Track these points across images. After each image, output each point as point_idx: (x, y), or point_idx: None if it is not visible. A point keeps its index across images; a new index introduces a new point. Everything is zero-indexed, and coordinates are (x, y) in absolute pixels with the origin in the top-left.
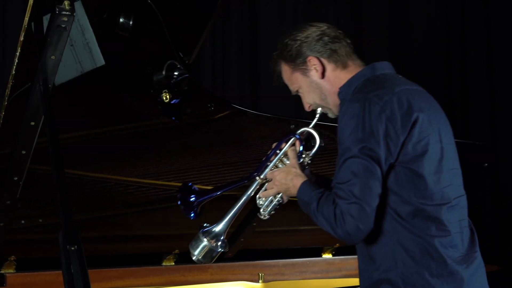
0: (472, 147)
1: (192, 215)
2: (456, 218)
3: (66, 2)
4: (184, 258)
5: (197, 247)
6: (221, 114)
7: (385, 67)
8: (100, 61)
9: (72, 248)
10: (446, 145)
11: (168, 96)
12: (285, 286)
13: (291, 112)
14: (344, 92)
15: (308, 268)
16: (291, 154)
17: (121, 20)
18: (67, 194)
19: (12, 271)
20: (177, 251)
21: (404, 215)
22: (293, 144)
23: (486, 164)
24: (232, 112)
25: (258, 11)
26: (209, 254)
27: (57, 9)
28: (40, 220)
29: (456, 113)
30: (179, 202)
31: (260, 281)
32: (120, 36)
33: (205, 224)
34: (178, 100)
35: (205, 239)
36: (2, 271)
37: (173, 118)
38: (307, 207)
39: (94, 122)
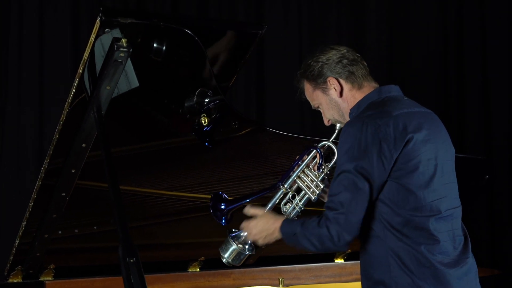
0: (474, 161)
1: (223, 221)
2: (447, 227)
3: (123, 40)
4: (209, 264)
5: (227, 250)
6: (244, 131)
7: (391, 90)
8: (135, 83)
9: (131, 261)
10: (443, 162)
11: (206, 120)
12: None
13: (296, 124)
14: (354, 112)
15: (322, 272)
16: (252, 211)
17: (155, 46)
18: (124, 212)
19: (50, 278)
20: (202, 258)
21: (394, 224)
22: (314, 156)
23: (487, 176)
24: (253, 129)
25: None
26: (237, 257)
27: (115, 46)
28: (76, 231)
29: (453, 131)
30: (211, 210)
31: (280, 285)
32: (153, 61)
33: (233, 230)
34: (210, 127)
35: (234, 243)
36: (41, 279)
37: (206, 143)
38: (293, 236)
39: (127, 139)
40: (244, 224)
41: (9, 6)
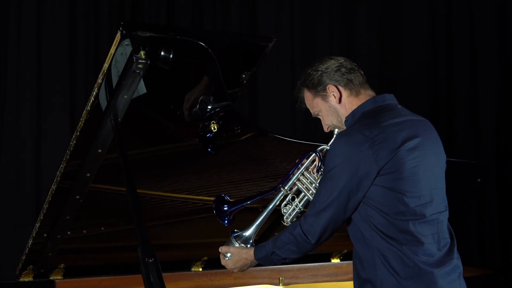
0: (467, 165)
1: (226, 222)
2: (431, 231)
3: (142, 52)
4: (211, 264)
5: None
6: (246, 136)
7: (385, 99)
8: (142, 89)
9: (150, 261)
10: (431, 168)
11: (215, 127)
12: None
13: (288, 130)
14: (349, 120)
15: (319, 272)
16: (224, 249)
17: (170, 57)
18: (142, 215)
19: (60, 277)
20: (205, 258)
21: (380, 226)
22: (313, 160)
23: (479, 180)
24: (255, 134)
25: (257, 30)
26: None
27: (134, 58)
28: (84, 232)
29: (442, 135)
30: (214, 212)
31: (280, 284)
32: (161, 69)
33: (235, 230)
34: (213, 134)
35: (236, 243)
36: (51, 278)
37: (209, 149)
38: (268, 256)
39: (134, 143)
40: (222, 262)
41: (7, 9)
